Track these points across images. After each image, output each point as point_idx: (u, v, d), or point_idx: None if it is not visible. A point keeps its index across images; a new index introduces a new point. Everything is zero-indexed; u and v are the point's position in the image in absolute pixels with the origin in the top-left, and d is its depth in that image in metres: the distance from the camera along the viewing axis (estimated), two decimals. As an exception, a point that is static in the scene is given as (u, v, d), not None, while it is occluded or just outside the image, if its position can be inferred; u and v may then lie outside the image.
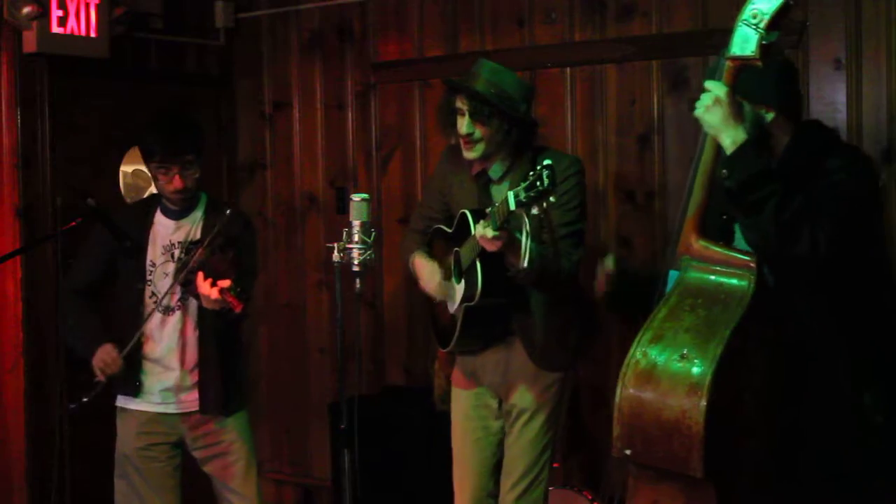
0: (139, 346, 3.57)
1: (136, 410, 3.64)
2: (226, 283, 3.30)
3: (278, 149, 5.24)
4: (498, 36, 4.59)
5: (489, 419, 3.59)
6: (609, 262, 3.59)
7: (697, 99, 2.63)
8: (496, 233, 3.05)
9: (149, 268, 3.60)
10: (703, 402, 2.29)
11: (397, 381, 4.87)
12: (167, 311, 3.59)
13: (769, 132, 2.71)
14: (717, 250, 2.53)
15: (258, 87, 5.26)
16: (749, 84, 2.64)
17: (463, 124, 3.34)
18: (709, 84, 2.57)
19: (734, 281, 2.46)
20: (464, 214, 3.37)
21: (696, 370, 2.32)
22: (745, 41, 2.51)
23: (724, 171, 2.56)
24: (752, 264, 2.46)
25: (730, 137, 2.55)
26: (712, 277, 2.49)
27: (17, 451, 4.39)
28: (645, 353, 2.41)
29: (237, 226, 3.59)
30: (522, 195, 2.88)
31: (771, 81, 2.71)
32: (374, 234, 3.19)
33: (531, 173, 2.88)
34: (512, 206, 2.92)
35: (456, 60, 4.51)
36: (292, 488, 5.28)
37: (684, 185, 4.12)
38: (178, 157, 3.51)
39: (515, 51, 4.47)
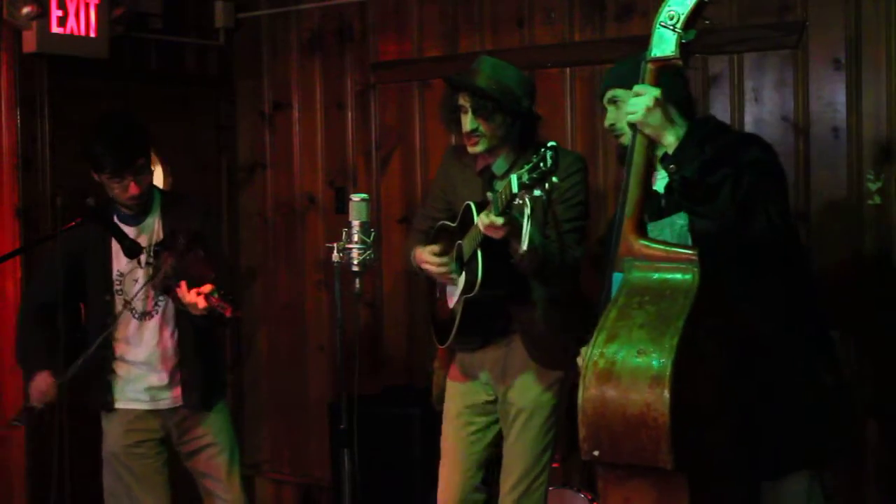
0: (109, 358, 3.59)
1: (123, 409, 3.66)
2: (207, 288, 3.29)
3: (278, 149, 5.24)
4: (498, 36, 4.59)
5: (482, 415, 3.58)
6: None
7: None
8: (497, 219, 3.04)
9: (116, 278, 3.60)
10: (667, 393, 2.31)
11: (397, 381, 4.87)
12: (144, 316, 3.60)
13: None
14: (658, 248, 2.55)
15: (258, 87, 5.26)
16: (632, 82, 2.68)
17: (466, 121, 3.35)
18: (640, 87, 2.60)
19: (678, 276, 2.48)
20: (468, 206, 3.36)
21: (655, 363, 2.34)
22: (663, 42, 2.57)
23: (672, 165, 2.59)
24: (694, 257, 2.48)
25: (672, 135, 2.59)
26: (656, 275, 2.51)
27: (17, 451, 4.39)
28: (602, 352, 2.42)
29: (197, 217, 3.56)
30: (525, 177, 2.88)
31: (679, 78, 2.80)
32: (373, 234, 3.19)
33: (535, 156, 2.88)
34: (515, 189, 2.91)
35: (456, 60, 4.51)
36: (292, 488, 5.28)
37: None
38: (129, 166, 3.47)
39: (515, 51, 4.47)
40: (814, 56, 3.93)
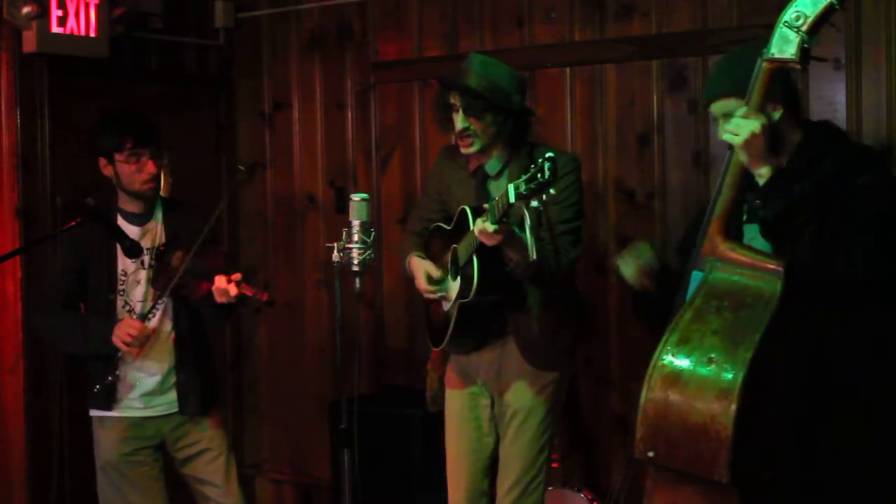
0: (115, 357, 3.56)
1: (117, 417, 3.63)
2: (236, 276, 3.34)
3: (278, 149, 5.24)
4: (498, 36, 4.59)
5: (482, 420, 3.57)
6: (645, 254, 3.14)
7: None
8: (495, 226, 3.05)
9: (120, 277, 3.60)
10: (734, 407, 2.27)
11: (397, 381, 4.87)
12: (143, 318, 3.59)
13: (777, 131, 2.65)
14: (743, 253, 2.49)
15: (258, 87, 5.26)
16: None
17: (458, 120, 3.35)
18: (748, 111, 2.49)
19: (760, 284, 2.42)
20: (463, 211, 3.36)
21: (725, 374, 2.30)
22: (785, 43, 2.45)
23: (759, 201, 2.53)
24: (779, 269, 2.42)
25: (766, 168, 2.51)
26: (737, 279, 2.46)
27: (17, 451, 4.39)
28: (672, 355, 2.38)
29: (198, 221, 3.56)
30: (523, 187, 2.87)
31: (787, 81, 2.66)
32: (373, 233, 3.19)
33: (532, 166, 2.87)
34: (512, 199, 2.91)
35: (456, 60, 4.48)
36: (292, 488, 5.28)
37: (684, 185, 4.18)
38: (149, 142, 3.52)
39: (515, 51, 4.47)
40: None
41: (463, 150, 3.40)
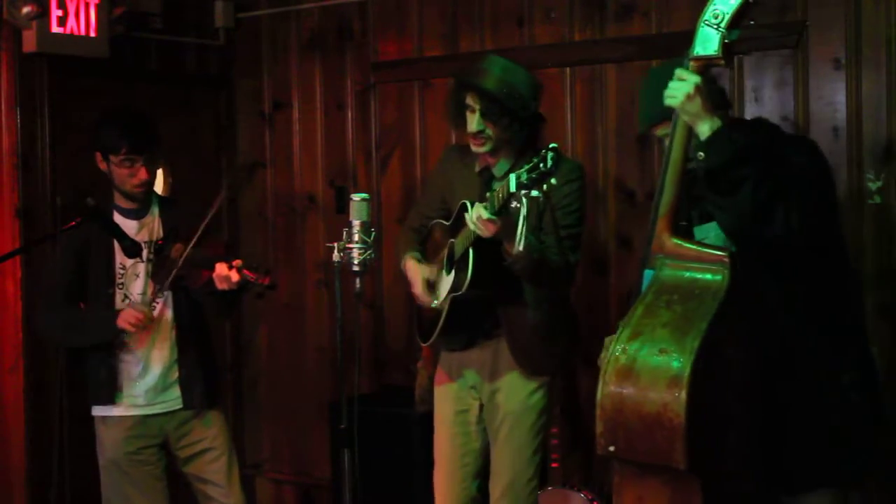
0: (112, 352, 3.57)
1: (120, 416, 3.63)
2: (237, 262, 3.35)
3: (278, 149, 5.24)
4: (498, 36, 4.59)
5: (471, 425, 3.56)
6: None
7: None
8: (491, 216, 3.04)
9: (118, 271, 3.60)
10: (683, 394, 2.31)
11: (397, 381, 4.87)
12: None
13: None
14: (689, 247, 2.56)
15: (258, 87, 5.26)
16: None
17: (473, 121, 3.34)
18: (682, 72, 2.57)
19: (708, 276, 2.49)
20: (464, 205, 3.34)
21: (675, 363, 2.35)
22: (707, 41, 2.54)
23: (701, 153, 2.57)
24: (725, 259, 2.48)
25: (707, 124, 2.56)
26: (686, 274, 2.52)
27: (17, 451, 4.39)
28: (624, 349, 2.43)
29: (195, 217, 3.55)
30: (524, 176, 2.88)
31: (713, 84, 2.74)
32: (373, 233, 3.19)
33: (535, 157, 2.88)
34: (512, 188, 2.90)
35: (456, 60, 4.51)
36: (292, 488, 5.28)
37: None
38: (143, 149, 3.53)
39: (515, 51, 4.46)
40: (814, 56, 3.93)
41: (474, 149, 3.40)
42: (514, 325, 3.41)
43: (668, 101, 2.58)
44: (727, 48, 2.52)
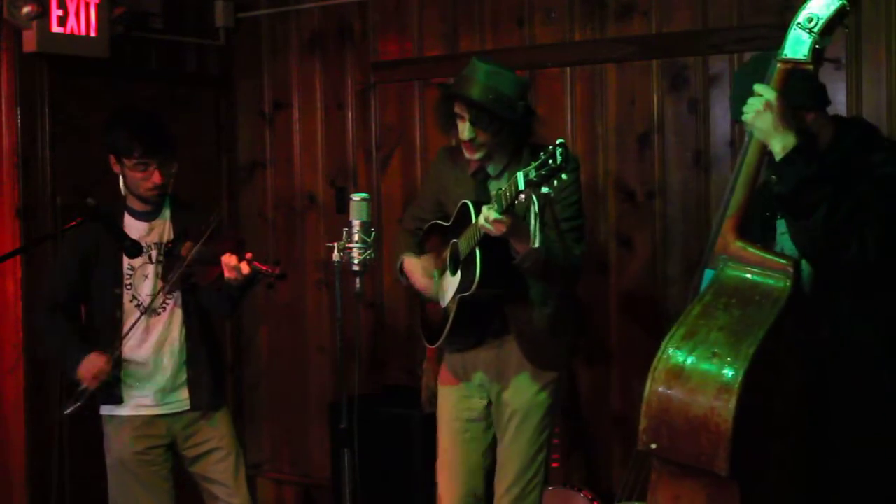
0: (120, 353, 3.57)
1: (128, 416, 3.64)
2: (248, 254, 3.35)
3: (278, 149, 5.24)
4: (498, 36, 4.59)
5: (477, 422, 3.56)
6: None
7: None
8: (499, 215, 3.04)
9: (126, 272, 3.60)
10: (734, 402, 2.28)
11: (397, 381, 4.87)
12: (153, 313, 3.60)
13: (811, 132, 2.68)
14: (754, 252, 2.51)
15: (258, 87, 5.26)
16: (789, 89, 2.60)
17: (464, 130, 3.33)
18: (759, 88, 2.53)
19: (770, 282, 2.44)
20: (465, 205, 3.34)
21: (727, 370, 2.32)
22: (798, 44, 2.49)
23: (774, 176, 2.53)
24: (789, 268, 2.44)
25: (780, 143, 2.51)
26: (748, 277, 2.48)
27: (17, 451, 4.39)
28: (676, 349, 2.40)
29: (206, 220, 3.56)
30: (533, 174, 2.87)
31: (807, 83, 2.68)
32: (373, 233, 3.19)
33: (543, 153, 2.87)
34: (521, 185, 2.90)
35: (456, 60, 4.51)
36: (292, 488, 5.28)
37: (684, 185, 4.18)
38: (158, 152, 3.51)
39: (515, 51, 4.47)
40: (814, 56, 3.93)
41: (468, 156, 3.40)
42: (521, 322, 3.41)
43: (743, 117, 2.55)
44: (817, 53, 2.48)
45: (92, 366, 3.48)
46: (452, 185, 3.54)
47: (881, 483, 2.63)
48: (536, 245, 2.98)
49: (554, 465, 4.06)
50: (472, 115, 3.29)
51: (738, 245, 2.53)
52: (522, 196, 2.93)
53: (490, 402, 3.54)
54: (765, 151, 2.57)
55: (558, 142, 2.86)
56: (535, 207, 2.92)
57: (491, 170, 3.44)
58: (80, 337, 3.60)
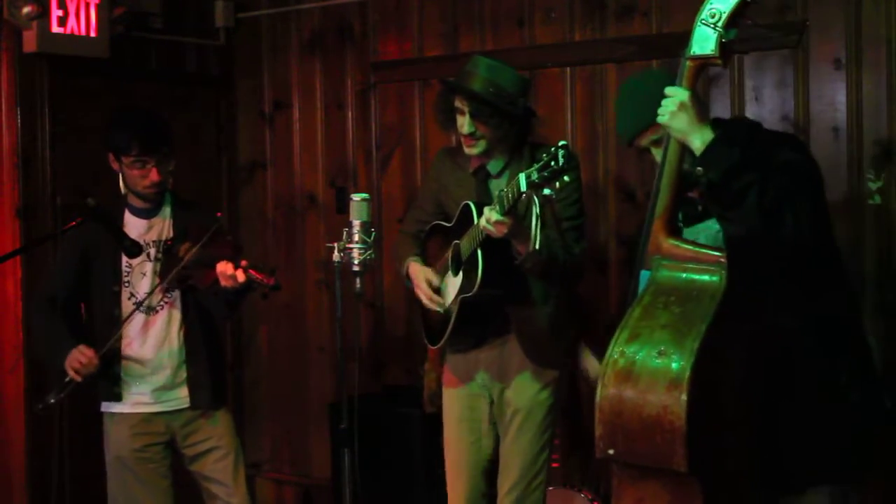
0: (117, 349, 3.57)
1: (128, 413, 3.64)
2: (245, 262, 3.35)
3: (278, 149, 5.24)
4: (498, 36, 4.59)
5: (481, 420, 3.56)
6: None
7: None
8: (501, 217, 3.04)
9: (125, 269, 3.60)
10: (684, 397, 2.30)
11: (397, 381, 4.87)
12: (151, 311, 3.60)
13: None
14: (686, 248, 2.54)
15: (258, 87, 5.26)
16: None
17: (464, 124, 3.34)
18: (670, 90, 2.57)
19: (705, 277, 2.47)
20: (467, 206, 3.34)
21: (674, 365, 2.34)
22: (704, 40, 2.52)
23: (700, 168, 2.56)
24: (721, 259, 2.47)
25: (699, 138, 2.55)
26: (683, 275, 2.50)
27: (17, 451, 4.39)
28: (622, 351, 2.42)
29: (207, 219, 3.57)
30: (535, 175, 2.87)
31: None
32: (373, 233, 3.19)
33: (545, 154, 2.87)
34: (523, 187, 2.90)
35: (456, 60, 4.50)
36: (292, 488, 5.28)
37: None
38: (155, 150, 3.51)
39: (515, 51, 4.47)
40: (814, 56, 3.93)
41: (467, 151, 3.40)
42: (524, 321, 3.42)
43: (661, 120, 2.58)
44: (725, 48, 2.51)
45: (78, 358, 3.48)
46: (453, 185, 3.54)
47: (828, 465, 2.67)
48: (535, 247, 2.99)
49: (554, 465, 4.06)
50: (473, 109, 3.30)
51: (670, 243, 2.56)
52: (524, 197, 2.94)
53: (493, 402, 3.54)
54: (684, 150, 2.60)
55: (560, 143, 2.86)
56: (536, 209, 2.93)
57: (491, 168, 3.44)
58: (71, 332, 3.58)
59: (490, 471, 3.58)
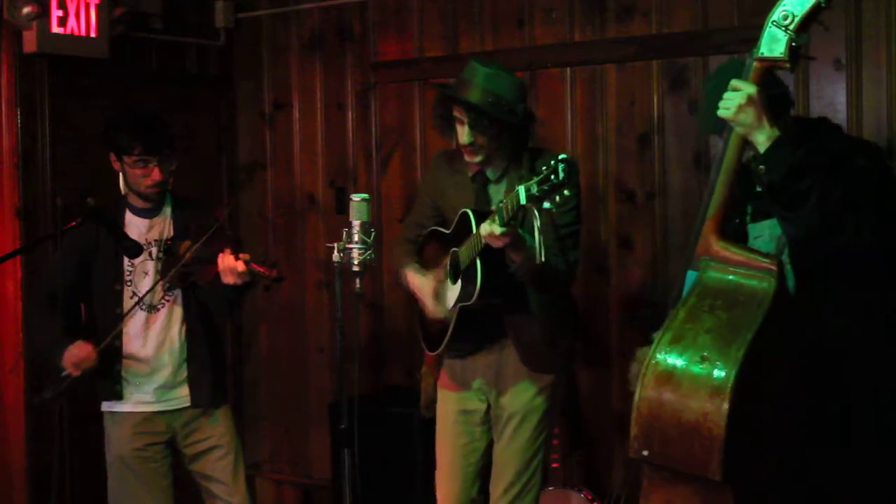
0: (118, 348, 3.57)
1: (128, 412, 3.64)
2: (246, 255, 3.35)
3: (278, 149, 5.24)
4: (498, 36, 4.59)
5: (475, 425, 3.55)
6: None
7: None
8: (503, 229, 3.03)
9: (127, 268, 3.60)
10: (726, 406, 2.27)
11: (397, 381, 4.87)
12: (152, 309, 3.60)
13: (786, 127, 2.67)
14: (736, 252, 2.50)
15: (258, 87, 5.26)
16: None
17: (463, 133, 3.32)
18: (737, 83, 2.51)
19: (754, 283, 2.42)
20: (465, 214, 3.34)
21: (718, 373, 2.31)
22: (774, 42, 2.47)
23: (762, 167, 2.51)
24: (772, 267, 2.42)
25: (764, 135, 2.50)
26: (731, 278, 2.46)
27: (17, 451, 4.39)
28: (665, 354, 2.39)
29: (208, 218, 3.56)
30: (535, 189, 2.86)
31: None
32: (373, 234, 3.19)
33: (544, 167, 2.86)
34: (522, 200, 2.89)
35: (456, 60, 4.50)
36: (292, 488, 5.28)
37: (684, 185, 4.18)
38: (157, 150, 3.52)
39: (515, 51, 4.47)
40: (814, 56, 3.93)
41: (468, 159, 3.39)
42: (520, 328, 3.41)
43: (721, 113, 2.52)
44: (794, 51, 2.46)
45: (77, 352, 3.47)
46: (451, 190, 3.53)
47: (886, 485, 2.62)
48: (541, 260, 2.98)
49: (554, 465, 4.06)
50: (471, 119, 3.28)
51: (720, 245, 2.52)
52: (525, 213, 2.93)
53: (489, 406, 3.54)
54: (743, 148, 2.55)
55: (560, 157, 2.84)
56: (537, 223, 2.92)
57: (490, 174, 3.44)
58: (69, 329, 3.58)
59: (481, 474, 3.57)
